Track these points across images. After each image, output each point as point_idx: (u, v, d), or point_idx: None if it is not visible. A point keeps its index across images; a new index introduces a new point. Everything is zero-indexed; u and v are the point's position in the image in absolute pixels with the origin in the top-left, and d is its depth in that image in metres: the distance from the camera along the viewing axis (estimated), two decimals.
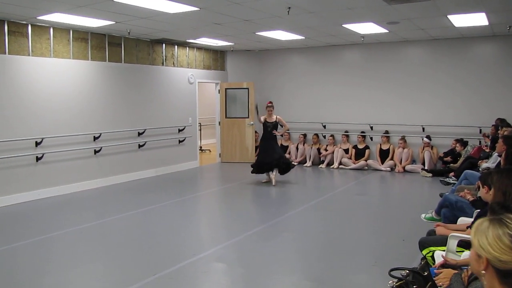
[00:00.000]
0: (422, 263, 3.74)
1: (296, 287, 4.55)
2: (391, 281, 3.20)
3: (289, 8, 7.36)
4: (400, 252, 5.47)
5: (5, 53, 7.99)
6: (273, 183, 9.72)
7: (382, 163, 11.69)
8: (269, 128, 9.98)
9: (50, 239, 6.10)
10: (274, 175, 9.77)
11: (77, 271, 5.00)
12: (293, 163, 10.61)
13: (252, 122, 13.02)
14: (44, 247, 5.83)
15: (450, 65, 11.18)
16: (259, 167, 9.93)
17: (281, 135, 10.62)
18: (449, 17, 8.30)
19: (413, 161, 11.48)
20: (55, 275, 4.87)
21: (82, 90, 9.37)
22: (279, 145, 10.75)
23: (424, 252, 4.00)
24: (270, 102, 10.18)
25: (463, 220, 4.64)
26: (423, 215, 6.62)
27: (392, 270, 3.24)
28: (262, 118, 10.01)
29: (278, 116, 10.10)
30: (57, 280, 4.72)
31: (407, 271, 3.22)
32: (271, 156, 9.75)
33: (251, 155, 13.08)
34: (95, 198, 8.76)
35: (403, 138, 11.47)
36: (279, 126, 10.11)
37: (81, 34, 9.28)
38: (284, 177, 10.44)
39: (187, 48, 12.18)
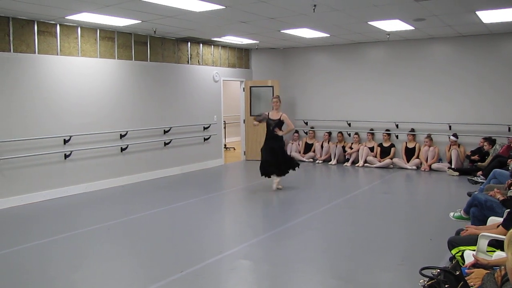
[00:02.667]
0: (454, 262, 3.69)
1: (322, 285, 4.54)
2: (422, 280, 3.16)
3: (315, 5, 7.32)
4: (428, 251, 5.41)
5: (34, 53, 8.14)
6: (274, 188, 8.93)
7: (408, 161, 11.56)
8: (271, 126, 8.84)
9: (79, 235, 6.19)
10: (277, 180, 8.94)
11: (105, 266, 5.06)
12: (297, 162, 9.44)
13: None
14: (73, 243, 5.91)
15: (478, 62, 10.99)
16: (264, 168, 8.93)
17: (282, 136, 8.94)
18: (478, 13, 8.15)
19: (439, 160, 11.33)
20: (83, 270, 4.95)
21: (109, 88, 9.48)
22: (283, 145, 9.23)
23: (454, 251, 3.95)
24: (277, 95, 9.24)
25: (494, 220, 4.56)
26: (451, 214, 6.53)
27: (423, 269, 3.20)
28: (263, 115, 9.00)
29: (283, 114, 8.94)
30: (86, 275, 4.79)
31: (438, 270, 3.17)
32: (274, 159, 8.80)
33: None
34: (122, 195, 8.86)
35: (429, 136, 11.32)
36: (284, 125, 8.99)
37: (108, 33, 9.38)
38: (309, 175, 10.41)
39: (212, 46, 12.22)
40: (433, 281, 3.09)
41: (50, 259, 5.33)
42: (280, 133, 8.82)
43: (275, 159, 8.76)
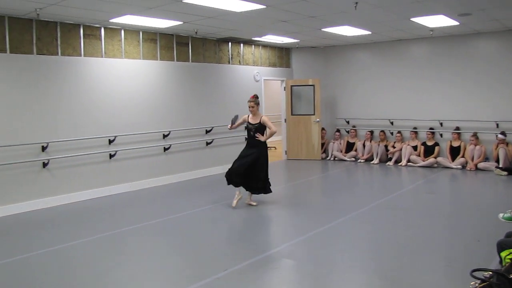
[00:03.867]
0: (506, 265, 3.57)
1: (367, 286, 4.48)
2: (473, 282, 3.07)
3: (356, 3, 7.26)
4: (475, 253, 5.27)
5: (80, 55, 8.35)
6: (234, 204, 7.61)
7: (453, 160, 11.29)
8: (252, 131, 7.68)
9: (123, 233, 6.31)
10: (239, 194, 7.68)
11: (149, 264, 5.14)
12: (270, 188, 7.89)
13: (318, 119, 12.93)
14: (118, 240, 6.03)
15: None
16: (230, 175, 7.67)
17: (265, 142, 7.76)
18: None
19: (486, 159, 11.01)
20: (129, 267, 5.04)
21: (152, 89, 9.64)
22: (267, 154, 7.84)
23: (503, 254, 3.82)
24: (254, 96, 7.80)
25: None
26: (500, 215, 6.35)
27: (474, 270, 3.11)
28: (241, 119, 7.86)
29: (263, 116, 7.73)
30: (131, 272, 4.87)
31: (490, 273, 3.08)
32: (249, 170, 7.58)
33: (317, 152, 13.01)
34: (165, 194, 8.98)
35: (475, 135, 11.02)
36: (267, 129, 7.74)
37: (150, 35, 9.54)
38: (351, 175, 10.27)
39: (253, 46, 12.25)
40: (485, 283, 3.00)
41: (96, 256, 5.45)
42: (262, 138, 7.64)
43: (251, 169, 7.57)
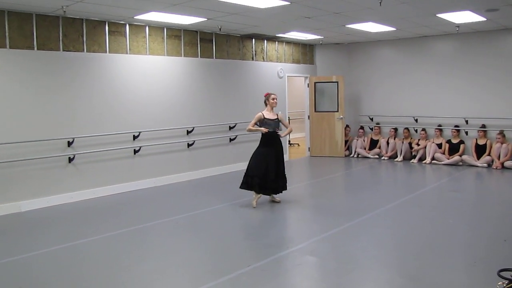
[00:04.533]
0: None
1: (390, 284, 4.45)
2: (500, 282, 3.02)
3: None
4: (502, 253, 5.18)
5: (106, 52, 8.45)
6: (254, 205, 7.41)
7: (478, 158, 11.11)
8: (271, 128, 7.45)
9: (147, 229, 6.37)
10: (258, 193, 7.46)
11: (173, 259, 5.18)
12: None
13: (341, 116, 12.87)
14: (141, 236, 6.09)
15: None
16: (254, 181, 7.33)
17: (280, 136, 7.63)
18: None
19: None
20: (152, 262, 5.08)
21: (176, 85, 9.70)
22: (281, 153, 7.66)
23: None
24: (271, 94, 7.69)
25: None
26: None
27: (501, 270, 3.05)
28: (256, 118, 7.49)
29: (279, 113, 7.69)
30: (154, 267, 4.91)
31: None
32: (271, 170, 7.37)
33: (340, 149, 12.95)
34: (188, 190, 9.04)
35: (501, 133, 10.81)
36: (281, 126, 7.66)
37: (175, 32, 9.59)
38: (375, 172, 10.19)
39: (276, 42, 12.23)
40: None
41: (120, 251, 5.52)
42: (283, 134, 7.64)
43: (273, 170, 7.38)
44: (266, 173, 7.32)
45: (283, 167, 7.63)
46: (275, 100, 7.56)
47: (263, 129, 7.37)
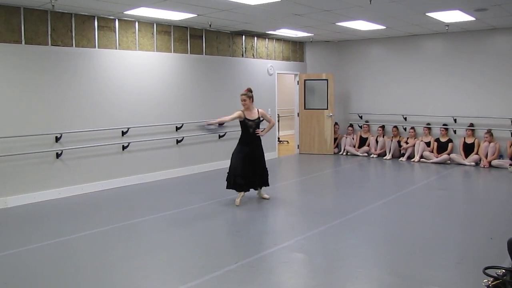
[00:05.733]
0: None
1: (378, 281, 4.46)
2: (486, 280, 3.04)
3: None
4: (488, 251, 5.22)
5: (95, 47, 8.39)
6: (237, 203, 7.33)
7: (466, 157, 11.19)
8: (251, 128, 7.31)
9: (135, 225, 6.35)
10: (242, 195, 7.46)
11: (161, 256, 5.16)
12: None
13: (331, 114, 12.89)
14: (130, 232, 6.06)
15: None
16: (236, 180, 7.33)
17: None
18: None
19: (500, 156, 10.88)
20: (140, 258, 5.05)
21: (165, 81, 9.66)
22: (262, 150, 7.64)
23: None
24: (247, 90, 7.38)
25: None
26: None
27: (487, 268, 3.07)
28: (236, 115, 7.27)
29: (260, 109, 7.49)
30: (143, 264, 4.89)
31: (504, 271, 3.04)
32: (253, 169, 7.39)
33: (329, 147, 12.99)
34: (177, 186, 9.01)
35: (489, 132, 10.89)
36: (265, 122, 7.54)
37: (164, 27, 9.55)
38: (364, 170, 10.20)
39: (267, 39, 12.22)
40: (498, 281, 2.96)
41: (108, 247, 5.49)
42: (262, 133, 7.40)
43: (255, 168, 7.41)
44: (246, 171, 7.29)
45: (264, 164, 7.62)
46: (242, 101, 7.26)
47: (218, 120, 7.28)
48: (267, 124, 7.55)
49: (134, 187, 8.84)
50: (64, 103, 8.02)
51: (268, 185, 7.74)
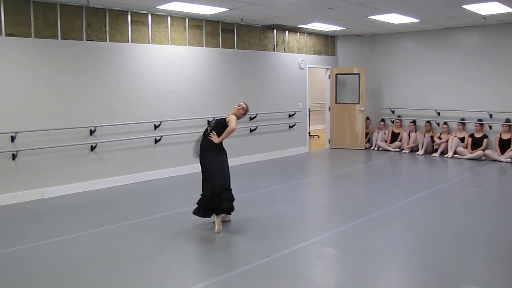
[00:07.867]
0: None
1: (411, 277, 4.42)
2: None
3: None
4: None
5: (128, 42, 8.50)
6: (218, 229, 5.76)
7: (502, 153, 10.94)
8: (208, 128, 6.13)
9: (166, 218, 6.43)
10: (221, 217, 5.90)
11: (192, 248, 5.22)
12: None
13: (362, 108, 12.78)
14: (160, 225, 6.13)
15: None
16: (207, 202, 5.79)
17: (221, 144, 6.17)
18: None
19: None
20: (171, 251, 5.12)
21: (197, 75, 9.72)
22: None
23: None
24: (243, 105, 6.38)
25: None
26: None
27: None
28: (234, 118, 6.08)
29: (231, 115, 6.16)
30: (174, 256, 4.96)
31: None
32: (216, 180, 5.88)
33: (361, 141, 12.88)
34: None
35: None
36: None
37: (196, 22, 9.60)
38: (396, 165, 10.08)
39: (298, 33, 12.17)
40: None
41: (140, 238, 5.56)
42: (216, 139, 5.94)
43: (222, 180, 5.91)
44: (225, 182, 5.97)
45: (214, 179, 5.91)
46: (240, 109, 6.32)
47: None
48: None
49: (166, 180, 8.93)
50: (98, 97, 8.16)
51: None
